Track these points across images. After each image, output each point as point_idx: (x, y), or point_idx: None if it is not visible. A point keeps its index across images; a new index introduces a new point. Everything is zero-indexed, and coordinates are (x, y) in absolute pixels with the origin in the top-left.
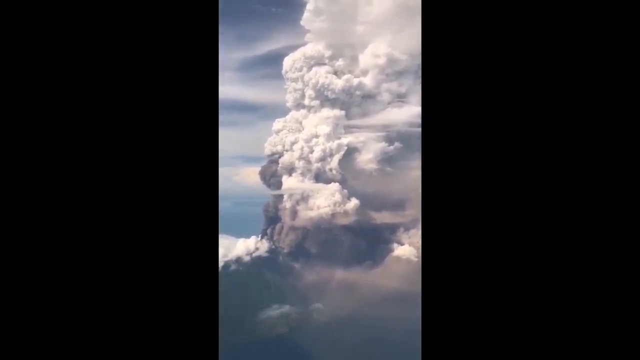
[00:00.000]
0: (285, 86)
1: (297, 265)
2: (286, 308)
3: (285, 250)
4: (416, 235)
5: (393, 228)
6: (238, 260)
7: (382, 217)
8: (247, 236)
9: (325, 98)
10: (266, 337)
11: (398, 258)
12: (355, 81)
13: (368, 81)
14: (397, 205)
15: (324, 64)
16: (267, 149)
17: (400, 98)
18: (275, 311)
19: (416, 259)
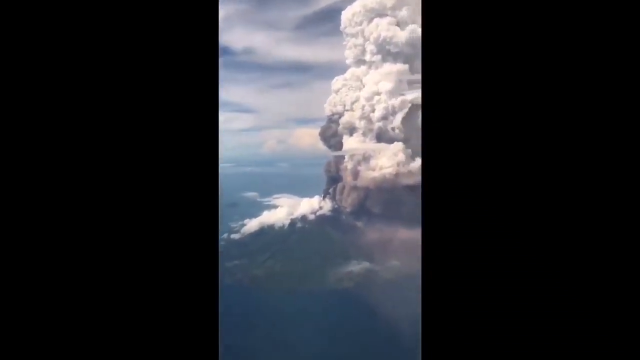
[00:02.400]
0: (344, 42)
1: (359, 224)
2: (351, 264)
3: (347, 210)
4: None
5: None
6: (303, 218)
7: None
8: (310, 196)
9: (387, 52)
10: (334, 289)
11: None
12: (420, 31)
13: None
14: None
15: (386, 15)
16: (327, 109)
17: None
18: (340, 266)
19: None
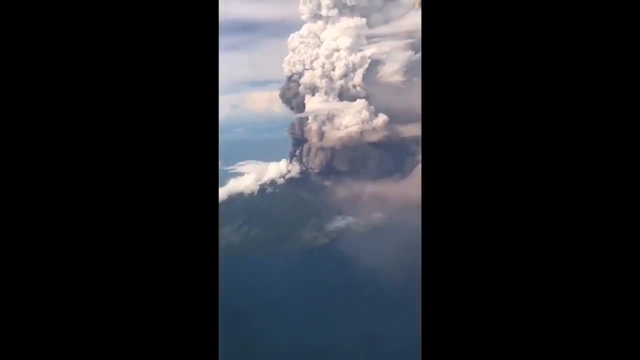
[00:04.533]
0: None
1: (328, 183)
2: (324, 221)
3: (316, 171)
4: None
5: (420, 140)
6: (272, 182)
7: (410, 130)
8: (277, 160)
9: (343, 6)
10: (309, 247)
11: None
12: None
13: None
14: None
15: None
16: (286, 68)
17: None
18: (314, 225)
19: None
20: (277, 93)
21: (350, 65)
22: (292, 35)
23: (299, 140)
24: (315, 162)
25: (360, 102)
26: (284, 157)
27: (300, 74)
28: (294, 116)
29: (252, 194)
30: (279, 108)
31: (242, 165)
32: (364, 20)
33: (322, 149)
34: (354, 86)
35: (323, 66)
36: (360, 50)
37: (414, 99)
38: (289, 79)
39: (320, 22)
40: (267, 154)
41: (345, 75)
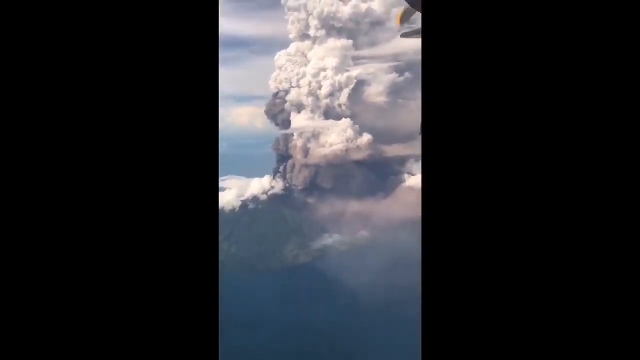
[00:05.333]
0: (286, 16)
1: (311, 200)
2: (306, 239)
3: (299, 187)
4: None
5: (403, 160)
6: (255, 199)
7: (393, 150)
8: (259, 175)
9: (330, 27)
10: (291, 265)
11: (410, 188)
12: (364, 7)
13: (377, 6)
14: (408, 137)
15: None
16: (272, 85)
17: (411, 24)
18: (296, 243)
19: None
20: (260, 109)
21: (337, 85)
22: (279, 53)
23: (283, 156)
24: (299, 179)
25: (346, 121)
26: (265, 173)
27: (287, 91)
28: (278, 132)
29: (233, 209)
30: (262, 124)
31: (224, 180)
32: (350, 41)
33: (306, 165)
34: (340, 105)
35: (309, 84)
36: (347, 70)
37: (398, 119)
38: (275, 95)
39: (307, 42)
40: (248, 169)
41: (331, 94)
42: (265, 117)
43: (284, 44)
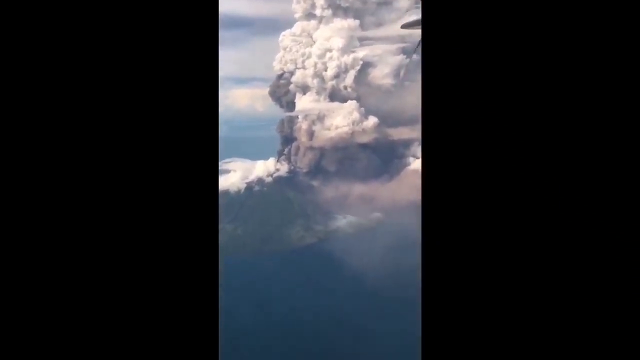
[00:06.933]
0: None
1: (316, 183)
2: (311, 221)
3: (304, 170)
4: None
5: (409, 143)
6: (260, 181)
7: (399, 133)
8: (265, 158)
9: (337, 7)
10: (296, 247)
11: (415, 171)
12: None
13: None
14: (414, 120)
15: None
16: (277, 66)
17: (418, 3)
18: (301, 225)
19: None
20: (260, 91)
21: (343, 66)
22: (283, 33)
23: (288, 139)
24: (304, 162)
25: (351, 104)
26: (270, 156)
27: (292, 73)
28: (281, 114)
29: (238, 191)
30: (262, 106)
31: (227, 162)
32: (357, 22)
33: (311, 148)
34: (345, 87)
35: (315, 66)
36: (353, 51)
37: (404, 102)
38: (280, 77)
39: (313, 22)
40: (250, 152)
41: (337, 76)
42: (268, 99)
43: (289, 23)
